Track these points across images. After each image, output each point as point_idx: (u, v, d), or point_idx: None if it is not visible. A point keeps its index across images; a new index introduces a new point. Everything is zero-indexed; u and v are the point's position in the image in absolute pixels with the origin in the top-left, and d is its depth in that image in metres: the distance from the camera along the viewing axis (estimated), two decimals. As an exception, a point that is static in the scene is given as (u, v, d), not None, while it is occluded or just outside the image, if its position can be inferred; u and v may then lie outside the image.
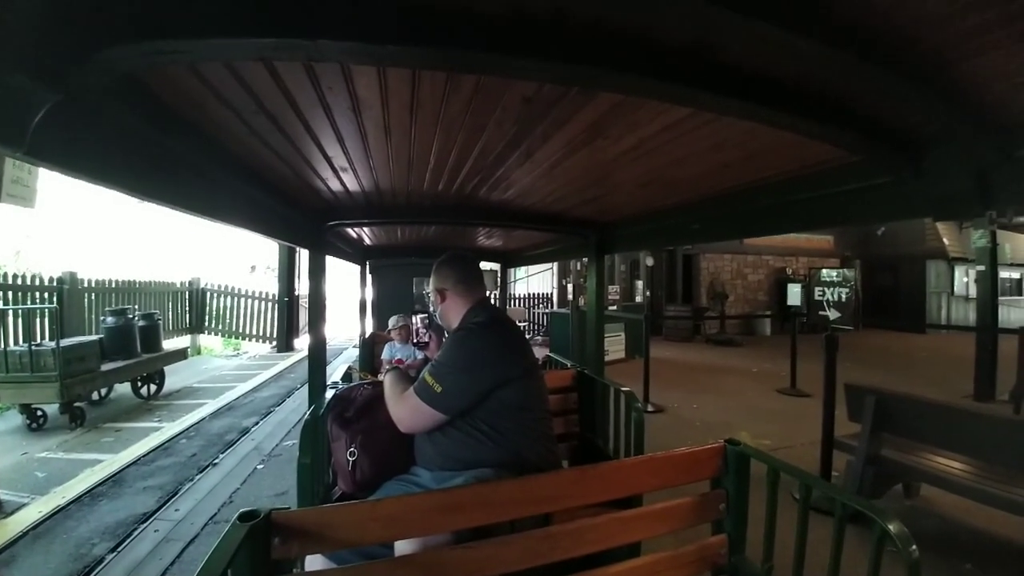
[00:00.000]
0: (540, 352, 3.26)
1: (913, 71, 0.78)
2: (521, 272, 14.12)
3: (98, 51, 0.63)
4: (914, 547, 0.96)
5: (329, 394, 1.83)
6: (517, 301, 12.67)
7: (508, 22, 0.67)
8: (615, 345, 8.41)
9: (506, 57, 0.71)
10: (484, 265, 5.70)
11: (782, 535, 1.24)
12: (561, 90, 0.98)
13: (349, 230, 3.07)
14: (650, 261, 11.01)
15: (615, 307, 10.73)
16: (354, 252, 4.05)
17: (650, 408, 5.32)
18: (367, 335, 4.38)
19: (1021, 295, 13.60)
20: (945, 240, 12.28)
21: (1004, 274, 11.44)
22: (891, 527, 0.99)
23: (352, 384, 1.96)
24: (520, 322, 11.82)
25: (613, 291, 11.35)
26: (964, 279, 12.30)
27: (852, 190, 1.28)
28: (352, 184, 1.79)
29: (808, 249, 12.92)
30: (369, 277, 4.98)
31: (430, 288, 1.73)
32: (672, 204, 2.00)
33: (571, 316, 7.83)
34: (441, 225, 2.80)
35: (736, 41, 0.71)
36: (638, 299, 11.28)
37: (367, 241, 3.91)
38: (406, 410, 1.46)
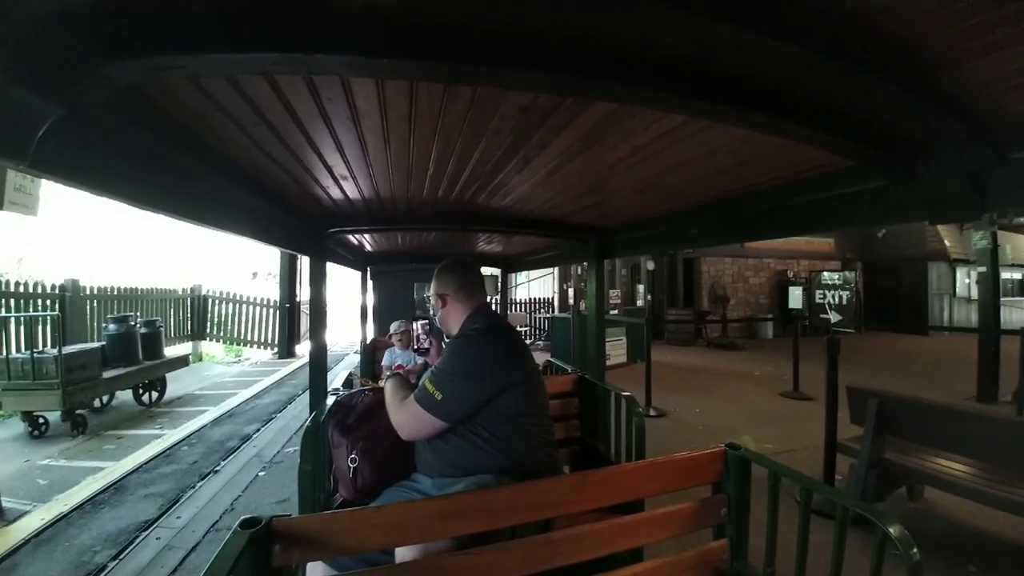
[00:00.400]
0: (541, 357, 3.26)
1: (905, 76, 0.79)
2: (522, 277, 14.13)
3: (100, 66, 0.64)
4: (915, 550, 0.96)
5: (330, 401, 1.84)
6: (518, 306, 12.67)
7: (501, 35, 0.68)
8: (616, 349, 8.38)
9: (500, 69, 0.72)
10: (485, 270, 5.71)
11: (785, 540, 1.23)
12: (556, 100, 0.99)
13: (350, 237, 3.09)
14: (651, 265, 11.01)
15: (616, 311, 10.73)
16: (355, 258, 4.06)
17: (652, 412, 5.31)
18: (368, 341, 4.39)
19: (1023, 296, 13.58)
20: (946, 242, 12.26)
21: (1006, 275, 11.40)
22: (892, 530, 0.99)
23: (353, 391, 1.97)
24: (521, 327, 11.81)
25: (614, 295, 11.35)
26: (966, 280, 12.26)
27: (846, 194, 1.29)
28: (352, 192, 1.80)
29: (809, 252, 12.90)
30: (370, 283, 4.99)
31: (431, 293, 1.73)
32: (670, 209, 2.01)
33: (572, 321, 7.82)
34: (441, 231, 2.81)
35: (728, 51, 0.72)
36: (639, 303, 11.27)
37: (368, 248, 3.93)
38: (407, 417, 1.46)
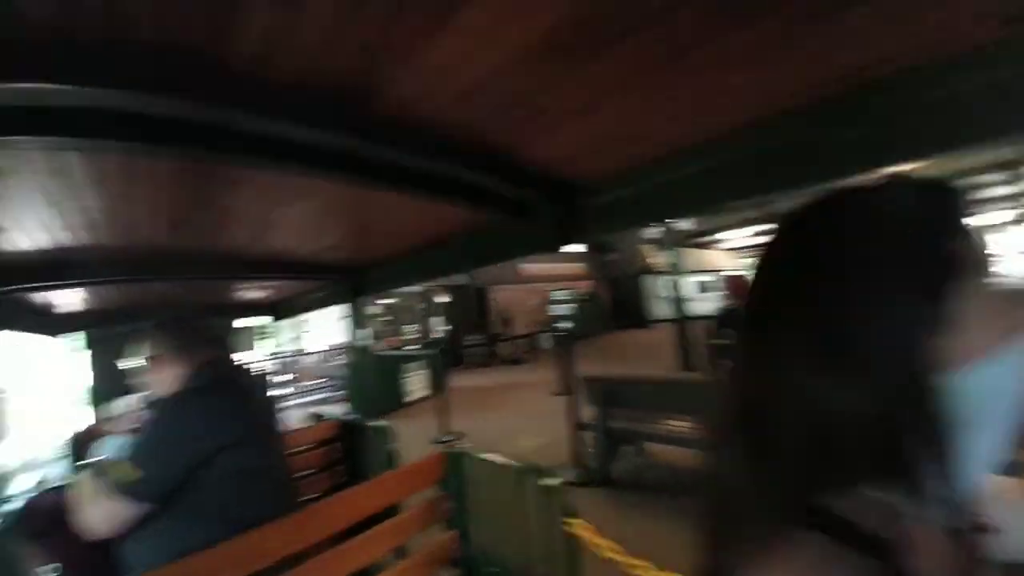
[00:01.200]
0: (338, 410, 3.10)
1: (487, 160, 1.12)
2: (321, 322, 12.99)
3: None
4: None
5: (14, 506, 1.43)
6: (315, 355, 11.55)
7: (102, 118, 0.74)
8: (419, 383, 8.45)
9: (103, 142, 0.77)
10: (259, 320, 5.08)
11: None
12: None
13: (31, 297, 2.41)
14: (444, 298, 11.60)
15: (417, 346, 10.83)
16: (49, 325, 3.14)
17: (450, 437, 5.55)
18: (82, 431, 3.42)
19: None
20: (649, 260, 16.26)
21: (704, 278, 15.57)
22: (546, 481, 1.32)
23: (45, 489, 1.57)
24: (318, 379, 10.78)
25: (413, 331, 11.50)
26: (666, 286, 16.48)
27: (493, 236, 1.69)
28: (12, 244, 1.47)
29: (569, 275, 15.33)
30: (81, 355, 3.94)
31: (142, 357, 1.53)
32: (395, 252, 2.23)
33: (361, 363, 7.56)
34: (155, 281, 2.40)
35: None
36: (439, 334, 11.66)
37: (66, 309, 3.08)
38: (99, 513, 1.23)
